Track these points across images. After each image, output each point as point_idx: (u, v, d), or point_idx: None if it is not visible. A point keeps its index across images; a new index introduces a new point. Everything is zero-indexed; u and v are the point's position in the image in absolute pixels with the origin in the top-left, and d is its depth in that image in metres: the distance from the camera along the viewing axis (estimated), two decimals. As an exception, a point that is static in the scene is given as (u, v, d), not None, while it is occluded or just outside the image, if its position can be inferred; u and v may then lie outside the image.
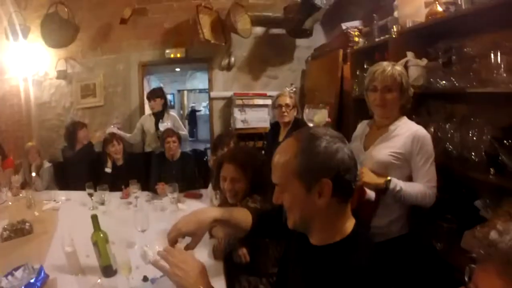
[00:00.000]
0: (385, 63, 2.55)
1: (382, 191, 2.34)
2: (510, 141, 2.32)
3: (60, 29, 5.45)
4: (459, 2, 2.74)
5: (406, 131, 2.44)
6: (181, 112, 12.01)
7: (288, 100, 4.13)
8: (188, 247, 1.69)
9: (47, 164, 4.27)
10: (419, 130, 2.44)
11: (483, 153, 2.52)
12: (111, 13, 6.04)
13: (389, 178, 2.32)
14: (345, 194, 1.38)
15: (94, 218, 2.33)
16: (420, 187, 2.35)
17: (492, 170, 2.40)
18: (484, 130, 2.57)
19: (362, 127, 2.84)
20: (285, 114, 4.08)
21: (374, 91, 2.55)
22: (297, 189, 1.36)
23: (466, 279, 0.99)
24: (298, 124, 4.06)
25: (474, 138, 2.64)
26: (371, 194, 2.37)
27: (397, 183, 2.30)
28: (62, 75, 6.36)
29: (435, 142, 2.44)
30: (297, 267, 1.54)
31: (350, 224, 1.42)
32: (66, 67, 6.35)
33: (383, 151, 2.47)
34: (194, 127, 13.37)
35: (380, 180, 2.33)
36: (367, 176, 2.36)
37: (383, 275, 1.31)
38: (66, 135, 5.32)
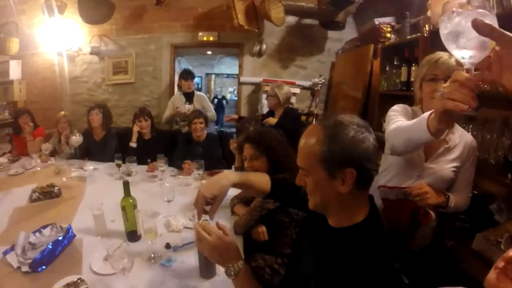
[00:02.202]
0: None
1: (441, 207, 2.24)
2: None
3: (96, 6, 5.54)
4: (491, 5, 2.73)
5: (461, 140, 2.25)
6: (207, 95, 12.09)
7: (270, 91, 5.05)
8: (211, 211, 1.74)
9: (76, 135, 4.33)
10: (472, 140, 2.28)
11: (502, 157, 2.52)
12: None
13: (448, 194, 2.21)
14: (367, 182, 1.42)
15: (126, 184, 2.45)
16: (463, 197, 2.27)
17: (509, 175, 2.40)
18: (504, 134, 2.59)
19: (409, 113, 2.36)
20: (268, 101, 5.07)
21: (433, 81, 2.17)
22: (321, 175, 1.39)
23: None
24: (286, 111, 4.95)
25: (494, 140, 2.65)
26: (432, 215, 2.17)
27: (452, 200, 2.21)
28: (95, 51, 6.45)
29: None
30: (311, 246, 1.59)
31: (365, 210, 1.46)
32: (99, 44, 6.44)
33: (446, 165, 2.24)
34: (220, 113, 13.24)
35: (441, 199, 2.19)
36: (433, 198, 2.15)
37: (389, 264, 1.34)
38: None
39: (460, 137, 2.24)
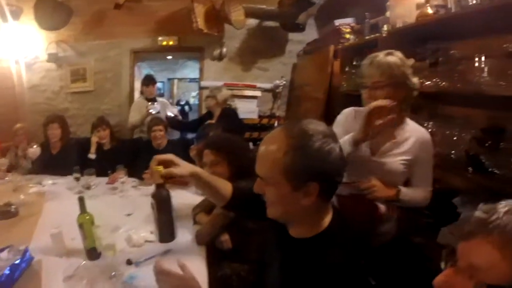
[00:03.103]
0: (375, 54, 2.25)
1: (392, 201, 2.24)
2: (489, 142, 2.39)
3: (53, 11, 5.41)
4: (449, 6, 2.79)
5: (413, 135, 2.27)
6: (171, 100, 11.84)
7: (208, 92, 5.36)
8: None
9: (34, 146, 4.22)
10: (425, 134, 2.31)
11: (464, 152, 2.56)
12: None
13: (399, 188, 2.22)
14: (331, 194, 1.40)
15: (81, 200, 2.36)
16: (421, 192, 2.30)
17: (470, 169, 2.45)
18: (464, 131, 2.65)
19: (350, 118, 2.51)
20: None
21: (363, 88, 2.28)
22: (282, 187, 1.33)
23: (443, 263, 1.03)
24: (225, 112, 5.18)
25: (455, 138, 2.70)
26: (383, 208, 2.26)
27: (406, 193, 2.22)
28: (52, 58, 6.27)
29: None
30: (275, 256, 1.55)
31: (328, 218, 1.43)
32: (57, 51, 6.27)
33: (394, 158, 2.27)
34: (183, 119, 12.64)
35: (392, 192, 2.21)
36: (380, 191, 2.19)
37: (356, 272, 1.33)
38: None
39: (411, 132, 2.28)
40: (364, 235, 2.25)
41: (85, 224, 2.34)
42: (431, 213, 2.71)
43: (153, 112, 5.29)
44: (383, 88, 2.14)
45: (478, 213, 0.96)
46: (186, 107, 13.14)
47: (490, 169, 2.34)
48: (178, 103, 13.25)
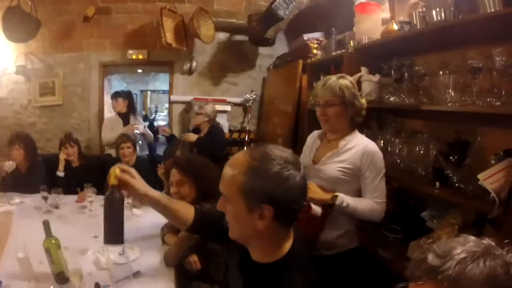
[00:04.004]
0: (328, 77, 2.52)
1: (329, 206, 2.33)
2: (455, 156, 2.43)
3: (21, 23, 5.28)
4: (414, 22, 2.84)
5: (356, 146, 2.41)
6: (143, 112, 11.56)
7: (196, 108, 5.25)
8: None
9: (10, 163, 4.14)
10: (369, 145, 2.43)
11: (430, 167, 2.62)
12: (75, 10, 5.89)
13: (336, 194, 2.31)
14: (287, 220, 1.40)
15: (46, 225, 2.29)
16: (368, 202, 2.35)
17: (437, 183, 2.49)
18: (430, 145, 2.68)
19: (312, 139, 2.78)
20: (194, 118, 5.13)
21: (317, 106, 2.53)
22: (239, 206, 1.35)
23: None
24: (213, 130, 5.10)
25: (421, 152, 2.74)
26: (317, 209, 2.34)
27: (344, 199, 2.29)
28: (21, 70, 6.12)
29: (383, 155, 2.46)
30: (237, 279, 1.57)
31: (288, 243, 1.44)
32: (25, 63, 6.12)
33: (332, 165, 2.43)
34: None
35: (327, 196, 2.33)
36: (313, 192, 2.34)
37: None
38: None
39: (356, 143, 2.43)
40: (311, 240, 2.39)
41: (51, 248, 2.27)
42: (401, 229, 2.75)
43: (138, 132, 5.37)
44: (334, 107, 2.41)
45: (431, 258, 0.95)
46: (156, 123, 12.09)
47: (456, 184, 2.38)
48: (145, 118, 12.30)
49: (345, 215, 2.40)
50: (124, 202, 1.72)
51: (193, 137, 4.84)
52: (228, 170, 1.40)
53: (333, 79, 2.45)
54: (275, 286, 1.37)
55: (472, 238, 0.96)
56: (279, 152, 1.37)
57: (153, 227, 3.06)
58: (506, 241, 0.99)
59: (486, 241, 0.95)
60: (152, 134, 5.93)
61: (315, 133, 2.80)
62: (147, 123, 7.97)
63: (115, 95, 5.72)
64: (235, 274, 1.61)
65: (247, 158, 1.36)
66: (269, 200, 1.30)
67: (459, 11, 2.43)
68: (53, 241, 2.30)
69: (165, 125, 4.79)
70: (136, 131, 5.31)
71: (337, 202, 2.29)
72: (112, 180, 1.65)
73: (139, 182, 1.69)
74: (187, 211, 1.79)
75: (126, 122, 5.59)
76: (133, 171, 1.71)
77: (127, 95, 5.85)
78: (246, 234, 1.42)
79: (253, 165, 1.33)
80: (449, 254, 0.93)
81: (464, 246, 0.93)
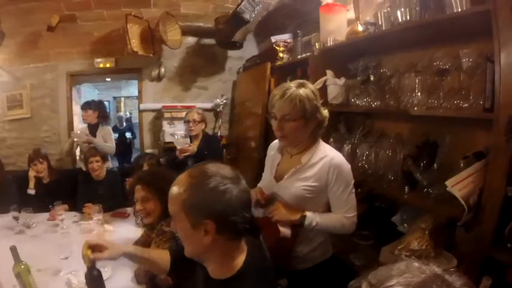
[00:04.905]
0: (287, 85, 2.24)
1: (297, 225, 2.22)
2: (424, 159, 2.41)
3: (-16, 35, 5.23)
4: (379, 23, 2.81)
5: (321, 160, 2.25)
6: (117, 119, 11.31)
7: (195, 116, 4.68)
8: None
9: None
10: (335, 158, 2.25)
11: (399, 171, 2.58)
12: (39, 20, 5.73)
13: (304, 213, 2.20)
14: (232, 233, 1.42)
15: (14, 250, 2.23)
16: (337, 218, 2.26)
17: (406, 188, 2.46)
18: (398, 149, 2.64)
19: (272, 152, 2.61)
20: (192, 128, 4.65)
21: (274, 119, 2.26)
22: (184, 223, 1.40)
23: None
24: (207, 137, 4.80)
25: (390, 155, 2.70)
26: (286, 231, 2.23)
27: (312, 219, 2.20)
28: (-13, 83, 6.02)
29: (352, 159, 2.45)
30: None
31: (241, 258, 1.47)
32: (-8, 75, 6.02)
33: (296, 184, 2.27)
34: (134, 136, 10.93)
35: (295, 217, 2.21)
36: (279, 213, 2.22)
37: None
38: None
39: (320, 157, 2.26)
40: (279, 260, 2.16)
41: (22, 273, 2.25)
42: (372, 234, 2.74)
43: (77, 140, 5.28)
44: (293, 121, 2.19)
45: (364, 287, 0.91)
46: (128, 134, 10.80)
47: (425, 188, 2.35)
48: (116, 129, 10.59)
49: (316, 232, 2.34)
50: (103, 276, 1.82)
51: (194, 148, 4.49)
52: (172, 190, 1.46)
53: (292, 89, 2.19)
54: None
55: (415, 265, 0.90)
56: (216, 168, 1.44)
57: (125, 242, 3.00)
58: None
59: (432, 269, 0.88)
60: (111, 146, 5.60)
61: (274, 145, 2.61)
62: (116, 135, 7.77)
63: (85, 106, 5.58)
64: None
65: (187, 176, 1.44)
66: (209, 215, 1.35)
67: (425, 11, 2.39)
68: (23, 266, 2.27)
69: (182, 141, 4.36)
70: (75, 138, 5.30)
71: (306, 222, 2.19)
72: (86, 262, 1.75)
73: (111, 251, 1.81)
74: (163, 257, 1.90)
75: (94, 132, 5.51)
76: (102, 242, 1.85)
77: (97, 106, 5.70)
78: (196, 251, 1.48)
79: (192, 182, 1.41)
80: (382, 285, 0.88)
81: (401, 277, 0.87)
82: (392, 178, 2.65)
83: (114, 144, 5.70)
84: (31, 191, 4.38)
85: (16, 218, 3.65)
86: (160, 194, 2.52)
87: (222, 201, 1.36)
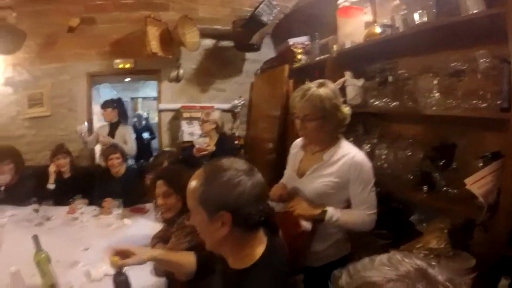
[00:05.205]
0: (308, 86, 2.34)
1: (318, 220, 2.26)
2: (442, 160, 2.42)
3: (6, 35, 5.24)
4: (396, 25, 2.83)
5: (342, 157, 2.30)
6: (134, 119, 11.29)
7: (204, 116, 4.73)
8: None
9: (5, 175, 4.15)
10: (356, 156, 2.30)
11: (417, 171, 2.59)
12: (59, 21, 5.77)
13: (325, 208, 2.23)
14: (248, 225, 1.46)
15: (35, 239, 2.32)
16: (358, 214, 2.29)
17: (425, 188, 2.47)
18: (416, 149, 2.65)
19: (295, 150, 2.69)
20: (202, 127, 4.76)
21: (296, 118, 2.40)
22: (202, 216, 1.45)
23: None
24: (222, 138, 4.76)
25: (408, 156, 2.71)
26: (306, 225, 2.28)
27: (333, 214, 2.22)
28: (9, 82, 6.04)
29: (370, 160, 2.38)
30: (218, 285, 1.64)
31: (260, 249, 1.50)
32: (13, 74, 6.03)
33: (318, 180, 2.33)
34: (153, 136, 10.45)
35: (315, 211, 2.25)
36: (301, 207, 2.27)
37: None
38: None
39: (342, 154, 2.32)
40: (296, 256, 2.30)
41: (42, 262, 2.31)
42: (390, 233, 2.76)
43: (81, 133, 5.40)
44: (314, 121, 2.27)
45: (343, 277, 0.92)
46: (146, 134, 10.39)
47: (443, 188, 2.37)
48: (135, 128, 10.15)
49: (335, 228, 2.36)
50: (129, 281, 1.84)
51: (212, 148, 4.54)
52: (189, 185, 1.52)
53: (313, 89, 2.28)
54: None
55: (397, 258, 0.88)
56: (230, 163, 1.49)
57: (143, 237, 3.07)
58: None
59: (414, 262, 0.86)
60: (132, 147, 5.75)
61: (298, 142, 2.70)
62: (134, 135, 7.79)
63: (105, 105, 5.73)
64: (218, 282, 1.68)
65: (202, 171, 1.50)
66: (224, 207, 1.39)
67: (441, 13, 2.40)
68: (43, 255, 2.33)
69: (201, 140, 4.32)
70: (79, 131, 5.42)
71: (326, 217, 2.22)
72: (114, 268, 1.80)
73: (137, 257, 1.85)
74: (189, 259, 1.96)
75: (114, 131, 5.63)
76: (128, 247, 1.89)
77: (117, 104, 5.87)
78: (215, 243, 1.51)
79: (206, 176, 1.46)
80: (359, 276, 0.88)
81: (378, 269, 0.87)
82: (411, 177, 2.66)
83: (135, 144, 5.79)
84: (51, 185, 4.44)
85: (36, 211, 3.74)
86: (181, 190, 2.55)
87: (236, 193, 1.40)
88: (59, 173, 4.57)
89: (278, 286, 1.44)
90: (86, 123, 5.60)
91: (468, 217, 2.20)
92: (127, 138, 5.64)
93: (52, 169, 4.50)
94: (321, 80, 2.38)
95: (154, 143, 9.67)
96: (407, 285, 0.80)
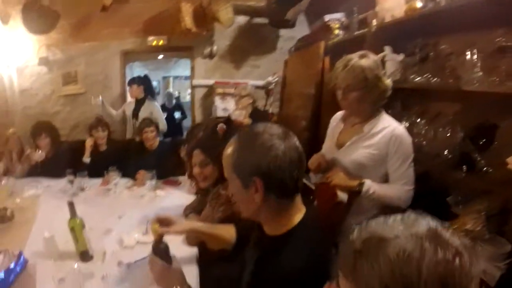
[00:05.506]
0: (349, 57, 2.35)
1: (355, 193, 2.27)
2: (483, 140, 2.35)
3: (40, 15, 5.32)
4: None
5: (383, 130, 2.31)
6: (166, 99, 11.29)
7: (242, 91, 4.99)
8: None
9: (40, 152, 4.26)
10: (397, 129, 2.31)
11: (456, 151, 2.52)
12: (92, 0, 5.83)
13: (363, 180, 2.25)
14: (282, 191, 1.43)
15: (71, 205, 2.38)
16: (395, 189, 2.29)
17: (464, 168, 2.40)
18: (454, 129, 2.59)
19: (335, 122, 2.72)
20: (239, 102, 4.94)
21: (338, 89, 2.40)
22: (236, 183, 1.46)
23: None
24: (257, 112, 4.97)
25: (448, 135, 2.64)
26: (343, 196, 2.29)
27: (370, 186, 2.23)
28: (43, 61, 6.20)
29: None
30: (253, 254, 1.63)
31: (298, 217, 1.48)
32: (47, 54, 6.20)
33: (357, 151, 2.35)
34: (184, 116, 10.21)
35: (353, 183, 2.27)
36: (338, 178, 2.29)
37: (314, 275, 1.32)
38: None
39: (383, 127, 2.32)
40: (330, 229, 2.28)
41: (76, 228, 2.38)
42: (424, 212, 2.70)
43: (95, 104, 5.61)
44: (356, 91, 2.27)
45: (355, 232, 0.91)
46: (177, 114, 9.91)
47: (483, 169, 2.30)
48: (165, 107, 9.78)
49: (371, 201, 2.34)
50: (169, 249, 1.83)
51: (248, 121, 4.71)
52: (224, 153, 1.53)
53: (354, 59, 2.29)
54: (278, 256, 1.40)
55: (412, 217, 0.87)
56: (264, 127, 1.46)
57: (175, 208, 3.12)
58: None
59: (432, 223, 0.84)
60: (162, 123, 5.87)
61: (338, 115, 2.72)
62: (164, 114, 7.85)
63: (130, 82, 5.92)
64: (251, 249, 1.70)
65: (235, 138, 1.50)
66: (257, 172, 1.38)
67: None
68: (77, 221, 2.39)
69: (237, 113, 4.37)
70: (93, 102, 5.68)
71: (363, 189, 2.23)
72: (155, 236, 1.83)
73: (178, 226, 1.90)
74: (229, 233, 1.95)
75: (140, 107, 5.78)
76: (169, 217, 1.93)
77: (142, 81, 6.00)
78: (251, 210, 1.51)
79: (239, 142, 1.47)
80: (368, 228, 0.89)
81: (389, 225, 0.86)
82: (449, 157, 2.59)
83: (164, 120, 5.85)
84: (86, 159, 4.56)
85: (71, 182, 3.88)
86: (217, 159, 2.56)
87: (268, 157, 1.37)
88: (95, 146, 4.68)
89: (311, 257, 1.40)
90: (100, 97, 5.75)
91: (506, 201, 2.14)
92: (155, 114, 5.73)
93: (89, 143, 4.63)
94: (362, 52, 2.35)
95: (186, 123, 9.65)
96: (416, 242, 0.78)
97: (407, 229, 0.82)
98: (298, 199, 1.52)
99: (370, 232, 0.87)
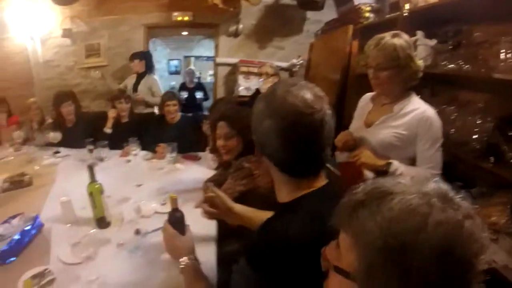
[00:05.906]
0: (382, 35, 2.30)
1: (382, 173, 2.22)
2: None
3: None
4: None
5: (413, 111, 2.28)
6: (187, 78, 11.07)
7: (268, 69, 4.83)
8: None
9: (56, 133, 4.27)
10: (427, 110, 2.26)
11: (484, 140, 2.47)
12: None
13: (390, 161, 2.22)
14: (295, 171, 1.37)
15: (91, 168, 2.37)
16: (422, 172, 2.23)
17: (492, 158, 2.35)
18: (487, 118, 2.52)
19: (364, 102, 2.70)
20: (265, 81, 4.77)
21: (369, 68, 2.38)
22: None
23: None
24: None
25: (475, 122, 2.58)
26: (369, 175, 2.27)
27: (398, 167, 2.19)
28: (67, 33, 6.24)
29: None
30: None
31: (314, 186, 1.39)
32: (71, 26, 6.23)
33: (386, 130, 2.32)
34: (207, 97, 9.11)
35: (380, 162, 2.23)
36: (365, 156, 2.27)
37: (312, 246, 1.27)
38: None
39: (412, 108, 2.29)
40: None
41: (94, 192, 2.36)
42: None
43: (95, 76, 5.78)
44: (387, 70, 2.24)
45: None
46: (199, 94, 8.77)
47: (511, 160, 2.25)
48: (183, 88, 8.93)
49: None
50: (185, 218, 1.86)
51: None
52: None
53: (387, 38, 2.25)
54: (276, 221, 1.36)
55: (423, 179, 0.83)
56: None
57: (195, 181, 3.12)
58: None
59: (443, 186, 0.79)
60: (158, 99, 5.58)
61: (368, 95, 2.69)
62: (185, 94, 7.89)
63: (132, 57, 5.87)
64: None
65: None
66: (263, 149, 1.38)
67: None
68: (96, 186, 2.38)
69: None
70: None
71: (390, 169, 2.19)
72: (172, 204, 1.83)
73: (231, 203, 1.97)
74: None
75: (139, 81, 5.81)
76: (217, 191, 2.01)
77: (143, 56, 5.95)
78: (271, 184, 1.48)
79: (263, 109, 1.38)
80: (374, 183, 0.86)
81: (396, 181, 0.83)
82: (477, 147, 2.53)
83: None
84: (108, 130, 4.57)
85: (90, 151, 3.89)
86: (243, 131, 2.52)
87: (262, 128, 1.33)
88: (117, 117, 4.68)
89: (309, 227, 1.29)
90: (98, 71, 6.04)
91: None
92: (154, 88, 5.81)
93: (111, 114, 4.64)
94: (395, 31, 2.31)
95: (206, 104, 9.49)
96: (423, 198, 0.75)
97: (416, 186, 0.79)
98: (322, 175, 1.44)
99: (377, 185, 0.84)
